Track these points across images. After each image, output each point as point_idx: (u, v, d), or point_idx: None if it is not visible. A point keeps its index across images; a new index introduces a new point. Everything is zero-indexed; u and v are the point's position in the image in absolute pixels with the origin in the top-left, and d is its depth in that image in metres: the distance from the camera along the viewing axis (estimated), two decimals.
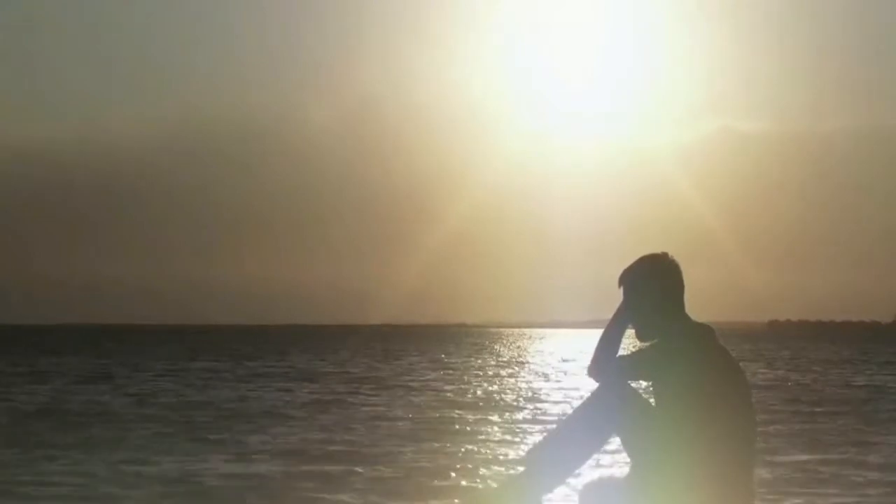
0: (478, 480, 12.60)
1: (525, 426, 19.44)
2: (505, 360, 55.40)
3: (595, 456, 5.50)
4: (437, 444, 16.16)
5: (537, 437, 15.86)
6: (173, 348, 71.91)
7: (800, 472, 13.59)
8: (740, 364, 5.50)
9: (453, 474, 13.06)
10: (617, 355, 5.43)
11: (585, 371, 5.52)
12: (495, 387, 31.61)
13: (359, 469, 13.55)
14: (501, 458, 14.87)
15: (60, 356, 55.79)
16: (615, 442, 5.49)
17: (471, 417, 21.01)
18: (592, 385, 5.48)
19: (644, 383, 5.42)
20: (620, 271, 5.51)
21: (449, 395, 28.06)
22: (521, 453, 5.79)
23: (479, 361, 52.72)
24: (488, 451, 15.56)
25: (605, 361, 5.42)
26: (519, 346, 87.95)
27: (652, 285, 5.42)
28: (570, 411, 5.66)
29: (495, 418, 20.93)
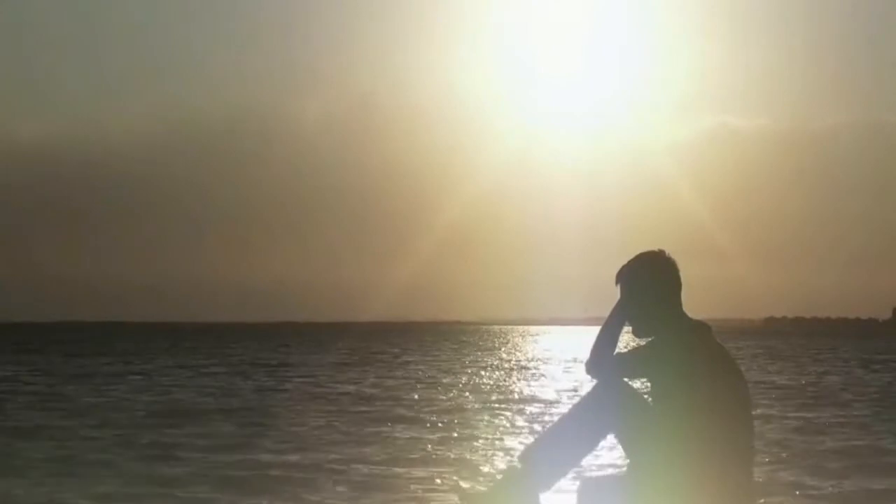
0: (477, 478, 12.61)
1: None
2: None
3: (592, 453, 5.49)
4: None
5: (534, 435, 15.85)
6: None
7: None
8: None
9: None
10: (614, 353, 5.42)
11: (584, 368, 5.51)
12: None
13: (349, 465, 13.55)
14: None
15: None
16: (613, 439, 5.48)
17: None
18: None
19: (641, 381, 5.42)
20: (618, 268, 5.51)
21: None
22: (518, 450, 5.78)
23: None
24: None
25: (602, 359, 5.41)
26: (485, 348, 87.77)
27: (649, 283, 5.41)
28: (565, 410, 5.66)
29: None
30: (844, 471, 13.46)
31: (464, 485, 10.49)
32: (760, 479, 11.84)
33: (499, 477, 5.39)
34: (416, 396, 26.07)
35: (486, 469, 13.43)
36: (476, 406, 23.27)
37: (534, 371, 40.78)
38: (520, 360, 51.52)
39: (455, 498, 11.24)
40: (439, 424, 19.00)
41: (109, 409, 22.11)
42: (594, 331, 5.53)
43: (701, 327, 5.41)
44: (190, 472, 13.11)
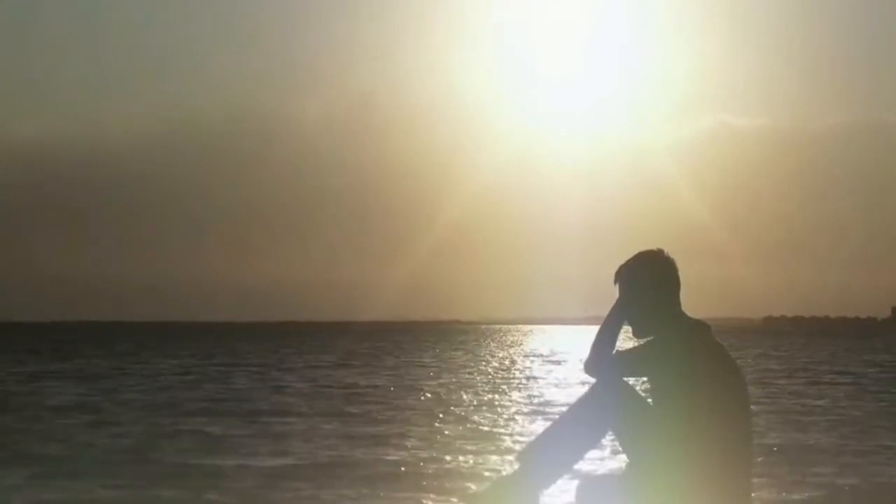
0: (474, 477, 12.60)
1: None
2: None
3: (591, 453, 5.49)
4: None
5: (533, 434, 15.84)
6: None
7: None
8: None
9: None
10: (613, 352, 5.42)
11: (582, 367, 5.51)
12: None
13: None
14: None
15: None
16: (612, 439, 5.48)
17: None
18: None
19: (640, 380, 5.42)
20: (616, 268, 5.50)
21: None
22: (518, 450, 5.79)
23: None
24: None
25: (601, 358, 5.40)
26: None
27: (648, 282, 5.40)
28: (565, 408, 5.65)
29: None
30: (838, 467, 13.46)
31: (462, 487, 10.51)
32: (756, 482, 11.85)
33: (498, 476, 5.39)
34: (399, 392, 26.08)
35: (484, 469, 13.42)
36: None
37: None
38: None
39: (455, 498, 11.25)
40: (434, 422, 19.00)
41: None
42: (594, 330, 5.53)
43: (700, 327, 5.40)
44: None
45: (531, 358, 54.27)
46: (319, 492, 11.82)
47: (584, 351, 5.49)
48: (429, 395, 26.60)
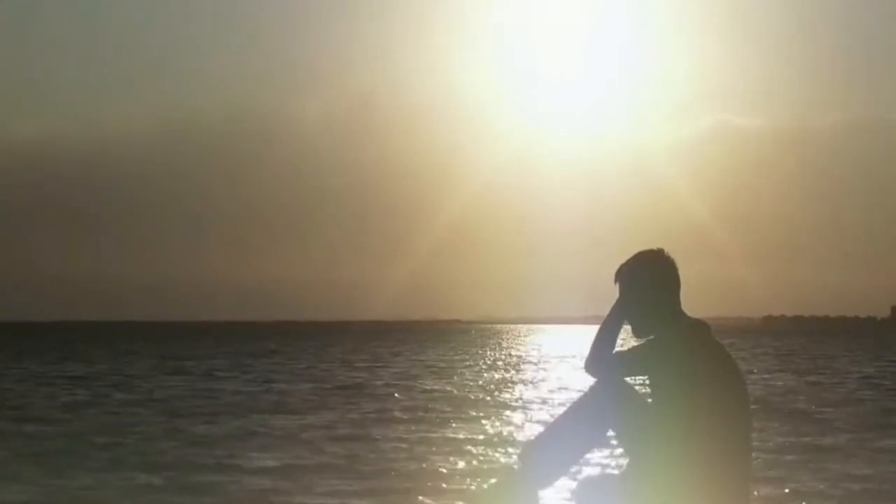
0: (475, 477, 12.60)
1: None
2: None
3: (591, 452, 5.50)
4: None
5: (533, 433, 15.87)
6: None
7: None
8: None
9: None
10: (613, 351, 5.42)
11: (583, 367, 5.51)
12: None
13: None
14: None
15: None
16: (612, 438, 5.48)
17: None
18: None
19: (640, 379, 5.42)
20: (617, 267, 5.51)
21: None
22: (518, 449, 5.79)
23: None
24: None
25: (601, 357, 5.41)
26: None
27: (648, 281, 5.40)
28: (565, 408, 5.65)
29: None
30: (837, 466, 13.46)
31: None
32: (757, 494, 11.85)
33: (498, 476, 5.39)
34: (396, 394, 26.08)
35: (485, 468, 13.42)
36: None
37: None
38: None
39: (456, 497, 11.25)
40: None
41: None
42: (594, 330, 5.53)
43: (700, 326, 5.40)
44: None
45: (531, 358, 54.29)
46: (318, 493, 11.82)
47: (585, 350, 5.49)
48: (427, 394, 26.61)
